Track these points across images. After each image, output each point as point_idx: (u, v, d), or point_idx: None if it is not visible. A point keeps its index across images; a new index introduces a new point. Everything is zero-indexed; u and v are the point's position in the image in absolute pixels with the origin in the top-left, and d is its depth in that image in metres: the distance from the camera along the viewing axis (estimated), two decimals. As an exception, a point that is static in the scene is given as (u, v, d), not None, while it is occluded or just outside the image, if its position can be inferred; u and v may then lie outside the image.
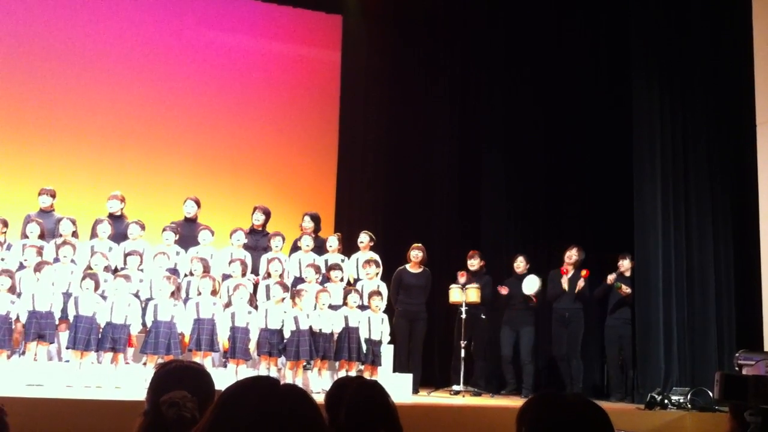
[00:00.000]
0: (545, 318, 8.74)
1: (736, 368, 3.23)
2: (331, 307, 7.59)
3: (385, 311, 7.86)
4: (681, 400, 7.13)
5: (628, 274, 8.39)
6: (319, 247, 8.58)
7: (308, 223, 8.70)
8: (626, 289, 8.21)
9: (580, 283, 8.36)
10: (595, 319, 8.67)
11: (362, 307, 7.78)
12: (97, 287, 7.03)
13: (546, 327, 8.74)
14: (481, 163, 10.61)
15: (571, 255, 8.53)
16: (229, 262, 7.90)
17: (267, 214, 8.75)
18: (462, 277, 8.42)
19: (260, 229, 8.70)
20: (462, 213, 10.60)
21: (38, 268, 7.01)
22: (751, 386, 2.67)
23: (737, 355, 3.28)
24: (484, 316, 8.44)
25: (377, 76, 10.95)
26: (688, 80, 8.46)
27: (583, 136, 10.00)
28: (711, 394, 6.68)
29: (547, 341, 8.77)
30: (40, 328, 6.76)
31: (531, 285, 8.47)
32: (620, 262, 8.43)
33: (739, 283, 8.06)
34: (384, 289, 8.10)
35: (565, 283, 8.43)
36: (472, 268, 8.64)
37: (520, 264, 8.67)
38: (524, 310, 8.56)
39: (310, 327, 7.31)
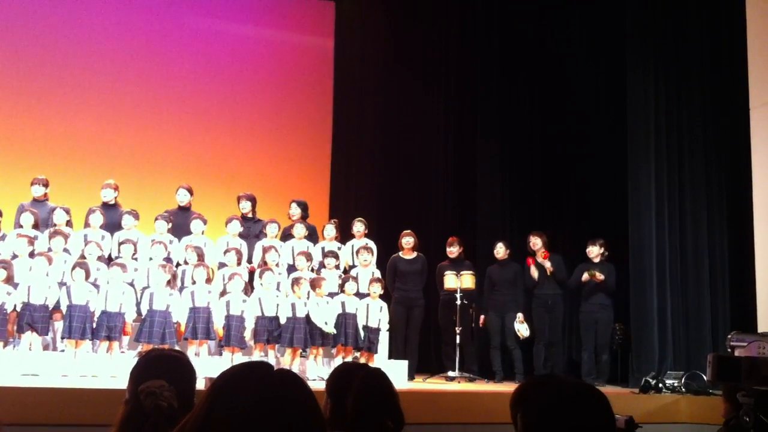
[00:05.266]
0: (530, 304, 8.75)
1: (729, 350, 3.24)
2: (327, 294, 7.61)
3: (382, 298, 7.88)
4: (675, 384, 7.17)
5: (597, 260, 8.34)
6: (310, 235, 8.58)
7: (295, 210, 8.70)
8: (600, 276, 8.17)
9: (548, 266, 8.34)
10: (576, 305, 8.68)
11: (360, 295, 7.79)
12: (87, 276, 7.02)
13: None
14: (476, 149, 10.59)
15: (535, 242, 8.50)
16: (225, 252, 7.90)
17: (252, 200, 8.75)
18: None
19: (250, 216, 8.69)
20: (458, 199, 10.60)
21: (32, 257, 7.01)
22: (743, 367, 2.68)
23: (729, 336, 3.29)
24: (466, 302, 8.45)
25: (371, 63, 10.90)
26: (683, 66, 8.46)
27: (578, 122, 10.01)
28: (705, 377, 6.71)
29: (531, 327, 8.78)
30: (32, 320, 6.75)
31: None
32: (589, 248, 8.38)
33: (733, 267, 8.09)
34: (380, 275, 8.11)
35: (534, 273, 8.41)
36: (452, 256, 8.62)
37: (500, 250, 8.66)
38: (509, 295, 8.55)
39: (307, 316, 7.32)
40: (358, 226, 8.59)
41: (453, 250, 8.61)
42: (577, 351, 8.92)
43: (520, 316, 8.36)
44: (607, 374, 8.21)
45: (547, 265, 8.34)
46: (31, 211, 7.73)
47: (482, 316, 8.65)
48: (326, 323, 7.33)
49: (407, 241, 8.48)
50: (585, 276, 8.21)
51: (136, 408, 2.11)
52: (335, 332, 7.38)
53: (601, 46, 9.91)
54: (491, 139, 10.43)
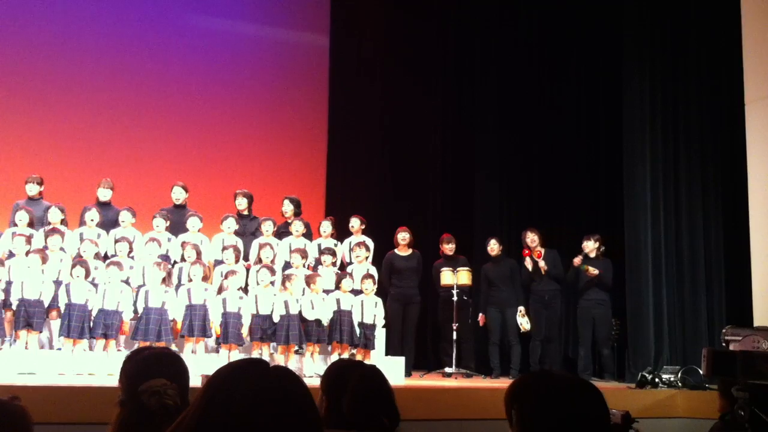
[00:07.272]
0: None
1: (723, 344, 3.24)
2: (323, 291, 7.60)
3: (378, 295, 7.88)
4: (672, 379, 7.18)
5: (593, 255, 8.36)
6: (305, 231, 8.56)
7: (287, 207, 8.69)
8: (593, 271, 8.19)
9: (542, 265, 8.36)
10: (573, 300, 8.70)
11: (356, 292, 7.79)
12: (87, 275, 7.01)
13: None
14: (474, 146, 10.59)
15: (534, 239, 8.51)
16: (222, 249, 7.89)
17: (249, 197, 8.73)
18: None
19: (245, 213, 8.68)
20: (455, 196, 10.59)
21: (28, 255, 7.00)
22: (738, 362, 2.68)
23: (724, 331, 3.29)
24: (466, 298, 8.45)
25: (367, 59, 10.88)
26: (679, 62, 8.46)
27: (574, 118, 10.00)
28: (701, 371, 6.72)
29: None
30: (28, 315, 6.74)
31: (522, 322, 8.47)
32: (584, 243, 8.40)
33: (728, 262, 8.11)
34: (374, 272, 8.11)
35: (528, 264, 8.43)
36: (448, 253, 8.61)
37: (494, 247, 8.66)
38: (508, 291, 8.56)
39: (300, 313, 7.32)
40: (354, 223, 8.59)
41: (448, 247, 8.61)
42: (573, 347, 8.92)
43: (521, 309, 8.38)
44: (612, 369, 8.24)
45: (542, 264, 8.36)
46: (27, 210, 7.70)
47: (481, 315, 8.63)
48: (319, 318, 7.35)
49: (403, 237, 8.48)
50: (576, 261, 8.25)
51: (135, 408, 2.07)
52: (325, 323, 7.38)
53: (597, 42, 9.90)
54: (488, 135, 10.42)
